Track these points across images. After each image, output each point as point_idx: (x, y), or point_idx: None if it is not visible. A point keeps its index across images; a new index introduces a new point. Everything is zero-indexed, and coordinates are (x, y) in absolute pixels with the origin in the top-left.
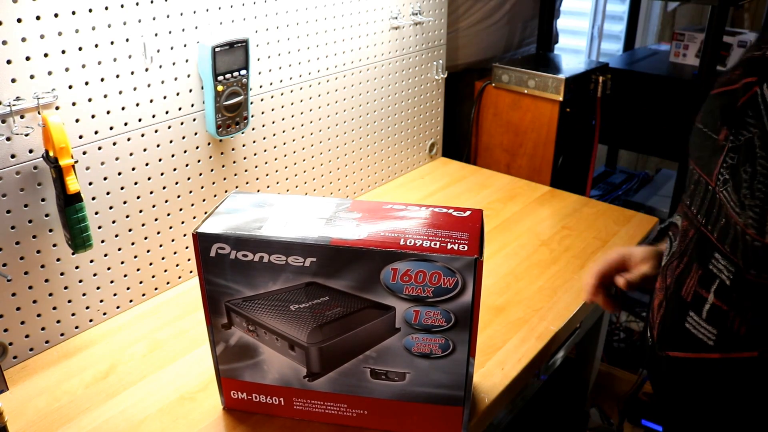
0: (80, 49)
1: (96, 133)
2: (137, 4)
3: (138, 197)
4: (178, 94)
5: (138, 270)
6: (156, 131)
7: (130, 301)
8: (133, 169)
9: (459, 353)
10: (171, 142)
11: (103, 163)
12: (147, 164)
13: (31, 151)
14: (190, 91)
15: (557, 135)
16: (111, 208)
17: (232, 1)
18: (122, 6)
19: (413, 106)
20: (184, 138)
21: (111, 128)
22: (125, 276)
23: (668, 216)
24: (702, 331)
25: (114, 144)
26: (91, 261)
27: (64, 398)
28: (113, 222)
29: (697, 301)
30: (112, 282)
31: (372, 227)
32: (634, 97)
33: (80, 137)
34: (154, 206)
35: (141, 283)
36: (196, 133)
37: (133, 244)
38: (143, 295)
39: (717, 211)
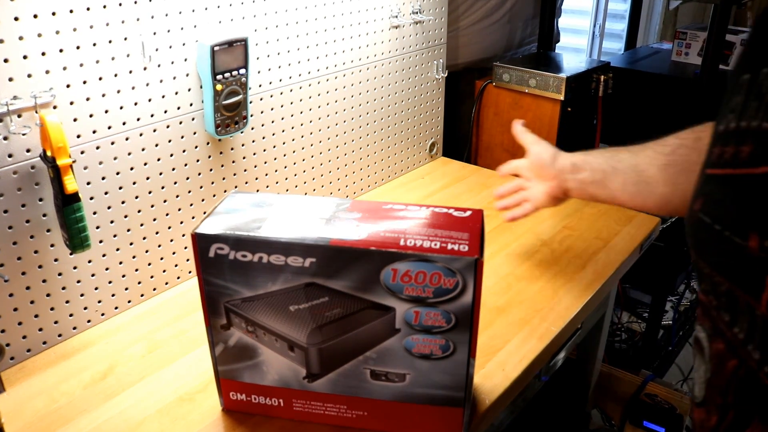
0: (78, 47)
1: (94, 132)
2: (135, 2)
3: (136, 197)
4: (176, 93)
5: (136, 270)
6: (155, 130)
7: (129, 301)
8: (132, 168)
9: (459, 354)
10: (170, 141)
11: (102, 162)
12: (145, 164)
13: (28, 151)
14: (189, 90)
15: (558, 134)
16: (109, 207)
17: (232, 0)
18: (120, 4)
19: (413, 106)
20: (182, 137)
21: (109, 127)
22: (123, 276)
23: (669, 216)
24: None
25: (112, 143)
26: (89, 261)
27: (62, 399)
28: (111, 222)
29: None
30: (110, 282)
31: (372, 227)
32: (636, 97)
33: (78, 136)
34: (152, 206)
35: (139, 283)
36: (195, 133)
37: (131, 244)
38: (142, 295)
39: None
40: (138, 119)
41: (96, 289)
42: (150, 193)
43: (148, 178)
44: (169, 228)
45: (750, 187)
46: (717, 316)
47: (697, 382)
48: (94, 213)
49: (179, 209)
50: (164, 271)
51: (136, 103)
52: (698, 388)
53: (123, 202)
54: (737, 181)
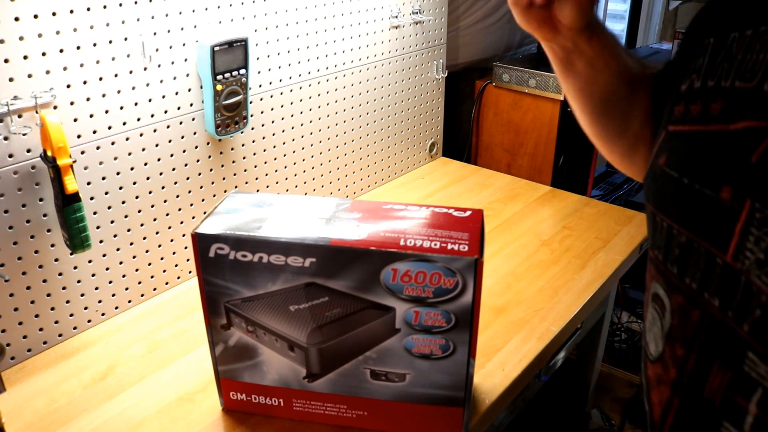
0: (78, 48)
1: (94, 132)
2: (136, 2)
3: (137, 197)
4: (177, 93)
5: (137, 270)
6: (155, 131)
7: (129, 301)
8: (132, 168)
9: (459, 354)
10: (170, 141)
11: (102, 162)
12: (146, 164)
13: (29, 151)
14: (189, 90)
15: (558, 134)
16: (109, 207)
17: (232, 0)
18: (121, 5)
19: (413, 106)
20: (183, 137)
21: (109, 128)
22: (124, 276)
23: None
24: None
25: (112, 143)
26: (90, 261)
27: (63, 399)
28: (112, 222)
29: (732, 409)
30: (110, 282)
31: (372, 227)
32: None
33: (78, 137)
34: (152, 206)
35: (140, 283)
36: (195, 133)
37: (131, 244)
38: (142, 295)
39: (746, 299)
40: (138, 119)
41: (96, 289)
42: (150, 193)
43: (148, 178)
44: (170, 228)
45: (723, 142)
46: (666, 270)
47: (651, 340)
48: (95, 213)
49: (179, 209)
50: (164, 271)
51: (136, 104)
52: (653, 346)
53: (123, 202)
54: (708, 137)
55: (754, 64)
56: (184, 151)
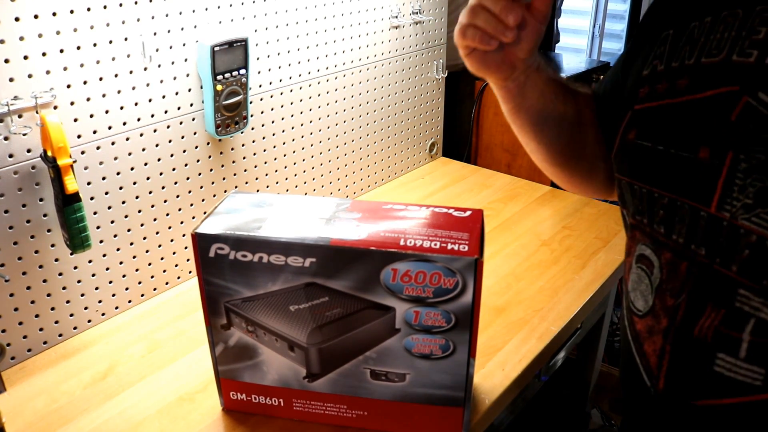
0: (78, 48)
1: (94, 132)
2: (136, 2)
3: (137, 197)
4: (177, 93)
5: (137, 270)
6: (155, 131)
7: (129, 301)
8: (132, 168)
9: (459, 354)
10: (170, 141)
11: (102, 162)
12: (146, 164)
13: (29, 151)
14: (189, 90)
15: None
16: (110, 208)
17: (232, 0)
18: (121, 5)
19: (413, 106)
20: (183, 137)
21: (110, 128)
22: (124, 276)
23: None
24: (742, 372)
25: (113, 143)
26: (90, 261)
27: (63, 399)
28: (112, 222)
29: (726, 342)
30: (110, 282)
31: (372, 227)
32: None
33: (78, 137)
34: (153, 206)
35: (140, 283)
36: (195, 133)
37: (131, 244)
38: (142, 295)
39: (733, 243)
40: (138, 119)
41: (96, 289)
42: (150, 193)
43: (148, 178)
44: (170, 228)
45: (694, 110)
46: (653, 230)
47: (639, 297)
48: (95, 213)
49: (179, 209)
50: (164, 271)
51: (136, 104)
52: (642, 301)
53: (123, 202)
54: (679, 108)
55: (719, 42)
56: (184, 151)
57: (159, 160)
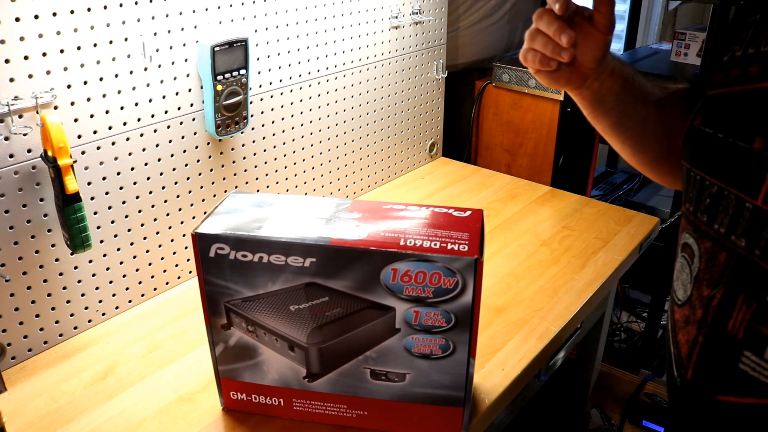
0: (79, 48)
1: (95, 132)
2: (136, 3)
3: (137, 197)
4: (177, 93)
5: (137, 270)
6: (155, 131)
7: (129, 301)
8: (132, 168)
9: (459, 354)
10: (170, 141)
11: (102, 162)
12: (146, 164)
13: (29, 151)
14: (190, 90)
15: (558, 135)
16: (110, 208)
17: (232, 1)
18: (121, 5)
19: (413, 106)
20: (183, 138)
21: (110, 128)
22: (124, 276)
23: (669, 216)
24: (765, 374)
25: (113, 144)
26: (90, 261)
27: (63, 399)
28: (112, 222)
29: (754, 338)
30: (111, 282)
31: (372, 227)
32: None
33: (79, 137)
34: (153, 206)
35: (140, 283)
36: (195, 133)
37: (132, 244)
38: (142, 295)
39: None
40: (138, 119)
41: (97, 288)
42: (150, 193)
43: (148, 179)
44: (170, 228)
45: (757, 99)
46: (696, 219)
47: (680, 286)
48: (95, 213)
49: (180, 209)
50: (165, 271)
51: (136, 104)
52: (682, 291)
53: (124, 202)
54: (744, 96)
55: None
56: (184, 151)
57: (159, 160)
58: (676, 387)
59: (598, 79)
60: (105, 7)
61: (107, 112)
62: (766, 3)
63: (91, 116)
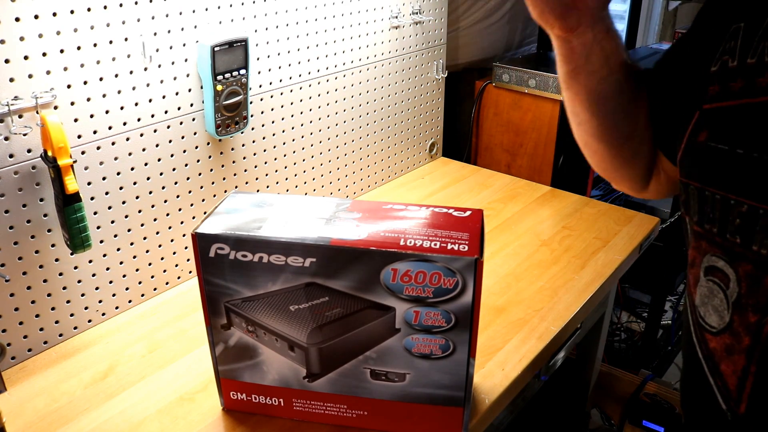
0: (79, 48)
1: (95, 132)
2: (136, 3)
3: (137, 197)
4: (177, 93)
5: (137, 270)
6: (155, 131)
7: (129, 301)
8: (132, 168)
9: (459, 354)
10: (170, 141)
11: (102, 162)
12: (146, 164)
13: (29, 151)
14: (190, 90)
15: (558, 135)
16: (110, 208)
17: (232, 1)
18: (121, 5)
19: (413, 106)
20: (183, 138)
21: (110, 128)
22: (124, 276)
23: (669, 216)
24: None
25: (113, 144)
26: (90, 261)
27: (63, 399)
28: (112, 222)
29: None
30: (111, 282)
31: (372, 227)
32: None
33: (79, 137)
34: (153, 206)
35: (140, 283)
36: (195, 133)
37: (132, 244)
38: (142, 295)
39: None
40: (138, 119)
41: (97, 288)
42: (150, 193)
43: (148, 179)
44: (170, 228)
45: None
46: (726, 241)
47: (712, 313)
48: (95, 213)
49: (179, 209)
50: (165, 271)
51: (136, 104)
52: (716, 318)
53: (124, 202)
54: (761, 108)
55: None
56: (184, 151)
57: (159, 160)
58: (726, 422)
59: (593, 30)
60: (105, 7)
61: (107, 112)
62: (749, 12)
63: (91, 116)
